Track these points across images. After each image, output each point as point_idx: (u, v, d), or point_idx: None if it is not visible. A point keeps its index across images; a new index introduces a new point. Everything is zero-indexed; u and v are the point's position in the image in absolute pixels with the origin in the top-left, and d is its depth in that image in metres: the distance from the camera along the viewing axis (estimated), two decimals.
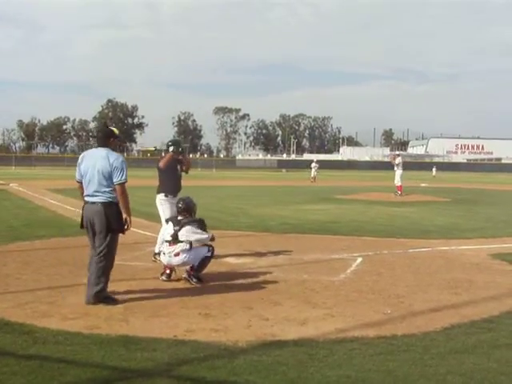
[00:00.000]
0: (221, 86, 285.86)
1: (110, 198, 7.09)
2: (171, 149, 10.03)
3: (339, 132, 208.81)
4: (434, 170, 72.87)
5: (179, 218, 8.69)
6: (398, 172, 28.81)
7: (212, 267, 9.06)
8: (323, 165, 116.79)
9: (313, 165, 52.13)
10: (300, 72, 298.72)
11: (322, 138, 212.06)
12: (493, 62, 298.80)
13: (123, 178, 7.08)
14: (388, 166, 51.32)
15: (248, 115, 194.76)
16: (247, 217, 17.91)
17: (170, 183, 10.08)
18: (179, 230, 8.42)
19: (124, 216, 7.17)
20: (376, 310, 7.05)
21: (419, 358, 5.28)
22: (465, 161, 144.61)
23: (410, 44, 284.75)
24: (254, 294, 7.82)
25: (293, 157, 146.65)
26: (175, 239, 8.35)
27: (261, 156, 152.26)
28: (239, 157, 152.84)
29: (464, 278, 9.02)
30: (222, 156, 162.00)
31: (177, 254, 8.29)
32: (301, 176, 68.37)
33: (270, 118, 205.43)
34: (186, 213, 8.77)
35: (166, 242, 8.48)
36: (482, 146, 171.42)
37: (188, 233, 8.38)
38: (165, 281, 8.54)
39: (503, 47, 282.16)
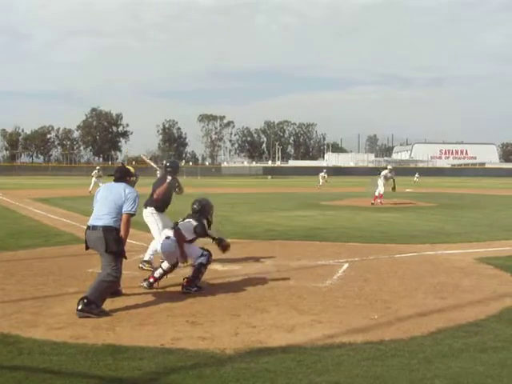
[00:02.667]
0: (205, 94, 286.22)
1: (111, 223, 7.32)
2: (169, 179, 10.02)
3: (324, 138, 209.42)
4: (416, 175, 73.17)
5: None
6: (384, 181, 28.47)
7: None
8: (308, 171, 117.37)
9: (321, 174, 53.14)
10: (284, 79, 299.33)
11: (307, 144, 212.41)
12: (476, 67, 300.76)
13: (133, 209, 7.42)
14: (374, 173, 51.59)
15: (233, 122, 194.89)
16: (233, 224, 17.88)
17: (163, 203, 10.22)
18: (183, 220, 8.75)
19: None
20: (363, 315, 7.06)
21: (406, 362, 5.29)
22: (449, 166, 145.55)
23: (393, 49, 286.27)
24: (240, 301, 7.80)
25: (278, 163, 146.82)
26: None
27: (246, 163, 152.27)
28: (224, 164, 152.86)
29: (450, 283, 9.06)
30: (207, 163, 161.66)
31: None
32: (286, 183, 68.51)
33: (254, 125, 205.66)
34: (200, 215, 8.96)
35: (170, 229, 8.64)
36: (466, 151, 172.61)
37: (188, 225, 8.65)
38: (145, 288, 8.48)
39: (487, 53, 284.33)
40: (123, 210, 7.36)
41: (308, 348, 5.72)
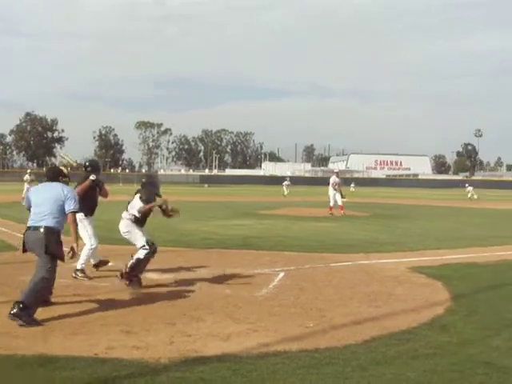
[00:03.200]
0: (143, 101, 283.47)
1: (53, 224, 7.27)
2: (91, 177, 10.18)
3: (261, 147, 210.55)
4: (351, 185, 74.38)
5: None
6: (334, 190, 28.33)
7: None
8: (245, 180, 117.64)
9: (285, 183, 54.57)
10: (222, 87, 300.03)
11: (245, 153, 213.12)
12: (405, 81, 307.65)
13: (76, 207, 7.47)
14: (310, 182, 52.34)
15: (170, 130, 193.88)
16: (169, 232, 17.72)
17: (88, 205, 10.11)
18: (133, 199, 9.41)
19: (71, 245, 7.31)
20: (298, 323, 7.09)
21: (341, 370, 5.34)
22: (384, 176, 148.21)
23: (333, 61, 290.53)
24: (176, 309, 7.73)
25: (215, 172, 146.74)
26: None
27: (183, 171, 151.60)
28: (161, 172, 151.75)
29: (384, 291, 9.20)
30: (143, 171, 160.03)
31: (122, 219, 9.58)
32: (223, 191, 68.48)
33: (192, 133, 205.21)
34: (149, 186, 9.65)
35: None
36: (400, 162, 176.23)
37: (134, 203, 9.38)
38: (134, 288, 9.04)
39: (416, 67, 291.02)
40: (67, 209, 7.35)
41: (243, 357, 5.71)
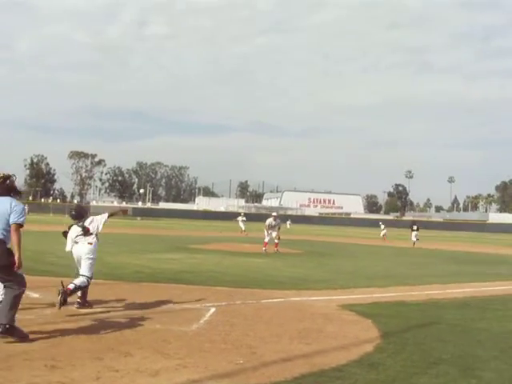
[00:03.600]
0: (77, 130, 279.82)
1: (1, 236, 7.54)
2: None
3: (196, 182, 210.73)
4: (288, 222, 75.05)
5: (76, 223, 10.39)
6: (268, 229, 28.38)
7: (60, 316, 8.73)
8: (179, 214, 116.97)
9: (240, 218, 53.76)
10: (158, 120, 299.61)
11: (179, 187, 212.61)
12: (345, 120, 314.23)
13: (21, 220, 7.64)
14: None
15: (104, 161, 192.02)
16: (100, 264, 17.31)
17: None
18: (83, 223, 10.32)
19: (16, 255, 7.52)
20: (229, 360, 7.03)
21: None
22: (317, 214, 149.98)
23: (266, 98, 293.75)
24: (103, 344, 7.54)
25: (148, 205, 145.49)
26: (86, 230, 10.20)
27: (116, 203, 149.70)
28: (93, 203, 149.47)
29: (314, 328, 9.23)
30: (75, 201, 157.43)
31: (90, 243, 10.16)
32: (156, 224, 67.89)
33: (126, 165, 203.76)
34: (80, 216, 10.53)
35: (79, 236, 10.19)
36: (333, 201, 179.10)
37: (95, 220, 10.46)
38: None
39: (353, 108, 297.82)
40: (11, 221, 7.55)
41: None
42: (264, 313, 10.46)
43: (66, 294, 9.51)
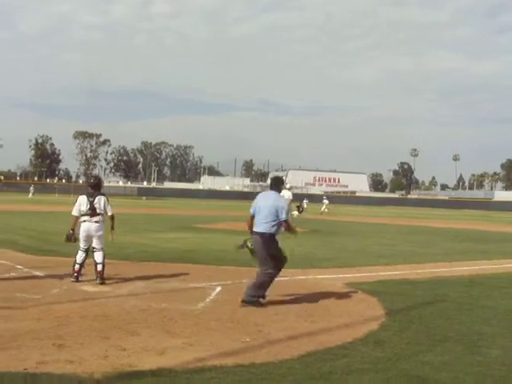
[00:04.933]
0: (82, 110, 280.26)
1: None
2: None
3: (201, 161, 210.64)
4: (305, 201, 74.45)
5: (91, 191, 10.87)
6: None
7: (66, 295, 8.77)
8: (184, 193, 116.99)
9: (324, 201, 56.89)
10: (163, 100, 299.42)
11: (184, 166, 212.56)
12: (349, 99, 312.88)
13: None
14: (249, 197, 52.51)
15: (109, 141, 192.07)
16: (105, 245, 17.46)
17: None
18: (93, 200, 10.67)
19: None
20: (235, 338, 7.07)
21: None
22: (322, 193, 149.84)
23: (271, 77, 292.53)
24: (111, 323, 7.59)
25: (153, 185, 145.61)
26: (93, 210, 10.63)
27: (121, 183, 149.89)
28: None
29: (320, 306, 9.26)
30: (81, 182, 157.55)
31: (96, 222, 10.66)
32: (161, 204, 67.97)
33: (131, 145, 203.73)
34: (97, 187, 11.00)
35: (86, 215, 10.64)
36: (338, 179, 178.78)
37: (102, 202, 10.77)
38: (73, 282, 10.43)
39: (358, 87, 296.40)
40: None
41: (179, 371, 5.64)
42: (270, 291, 10.47)
43: (102, 278, 10.58)
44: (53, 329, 7.18)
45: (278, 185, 9.69)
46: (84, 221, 10.72)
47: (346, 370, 5.92)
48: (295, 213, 27.70)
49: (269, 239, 9.07)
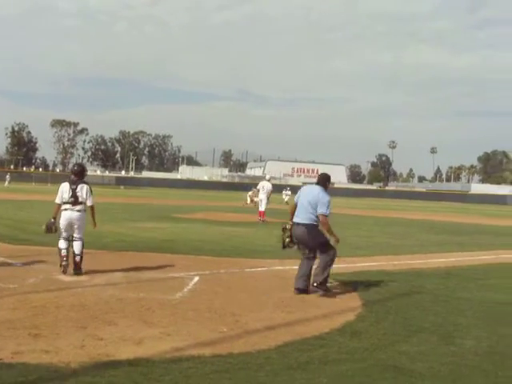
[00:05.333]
0: (59, 98, 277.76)
1: None
2: None
3: (179, 151, 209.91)
4: (285, 192, 73.94)
5: (74, 179, 10.56)
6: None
7: (43, 285, 8.72)
8: (162, 183, 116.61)
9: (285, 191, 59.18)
10: (142, 88, 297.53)
11: (162, 156, 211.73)
12: (328, 91, 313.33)
13: None
14: (227, 187, 52.52)
15: (87, 130, 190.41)
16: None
17: None
18: (76, 188, 10.40)
19: None
20: (212, 328, 7.08)
21: (254, 375, 5.36)
22: (301, 184, 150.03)
23: (251, 67, 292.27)
24: (87, 313, 7.56)
25: (132, 174, 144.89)
26: (75, 198, 10.36)
27: (99, 172, 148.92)
28: None
29: (297, 297, 9.30)
30: (58, 170, 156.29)
31: (78, 211, 10.39)
32: (139, 193, 67.71)
33: (109, 134, 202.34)
34: (80, 175, 10.72)
35: (67, 203, 10.34)
36: (317, 170, 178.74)
37: (85, 190, 10.49)
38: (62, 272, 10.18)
39: (338, 78, 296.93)
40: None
41: (156, 361, 5.64)
42: (248, 282, 10.51)
43: (79, 269, 10.34)
44: (29, 318, 7.13)
45: (324, 181, 10.23)
46: (65, 209, 10.44)
47: (323, 360, 5.96)
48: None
49: (313, 229, 9.68)
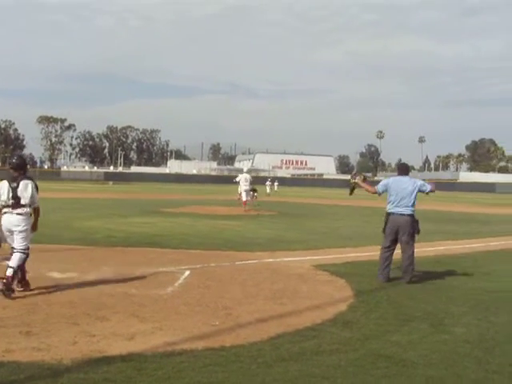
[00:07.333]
0: (45, 95, 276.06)
1: None
2: None
3: (167, 145, 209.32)
4: (275, 184, 73.53)
5: (14, 174, 8.54)
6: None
7: (34, 283, 8.68)
8: (151, 178, 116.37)
9: (268, 182, 61.71)
10: (129, 83, 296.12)
11: (150, 150, 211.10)
12: (316, 82, 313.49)
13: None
14: (216, 180, 52.53)
15: (74, 126, 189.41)
16: (72, 230, 17.34)
17: None
18: (17, 186, 8.38)
19: None
20: (204, 322, 7.08)
21: (247, 367, 5.37)
22: (289, 176, 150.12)
23: (239, 59, 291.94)
24: (79, 309, 7.53)
25: (120, 169, 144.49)
26: (17, 199, 8.32)
27: (87, 168, 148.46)
28: (64, 168, 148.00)
29: (289, 289, 9.32)
30: (45, 167, 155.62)
31: (19, 214, 8.36)
32: (127, 188, 67.53)
33: (96, 130, 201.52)
34: (21, 169, 8.65)
35: (7, 206, 8.37)
36: (306, 162, 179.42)
37: (29, 189, 8.38)
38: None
39: (326, 69, 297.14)
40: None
41: (149, 356, 5.64)
42: (239, 274, 10.51)
43: (8, 284, 8.11)
44: (20, 316, 7.10)
45: (405, 170, 11.07)
46: (5, 213, 8.49)
47: (316, 350, 5.98)
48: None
49: (414, 220, 10.34)
